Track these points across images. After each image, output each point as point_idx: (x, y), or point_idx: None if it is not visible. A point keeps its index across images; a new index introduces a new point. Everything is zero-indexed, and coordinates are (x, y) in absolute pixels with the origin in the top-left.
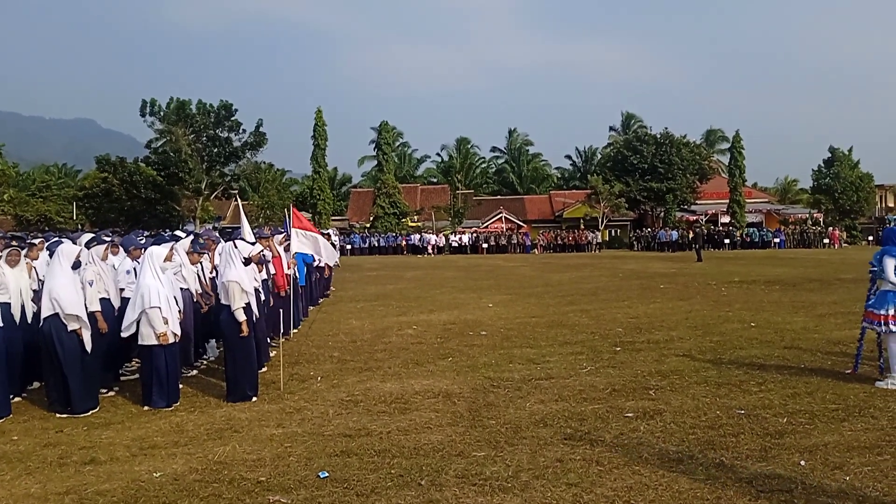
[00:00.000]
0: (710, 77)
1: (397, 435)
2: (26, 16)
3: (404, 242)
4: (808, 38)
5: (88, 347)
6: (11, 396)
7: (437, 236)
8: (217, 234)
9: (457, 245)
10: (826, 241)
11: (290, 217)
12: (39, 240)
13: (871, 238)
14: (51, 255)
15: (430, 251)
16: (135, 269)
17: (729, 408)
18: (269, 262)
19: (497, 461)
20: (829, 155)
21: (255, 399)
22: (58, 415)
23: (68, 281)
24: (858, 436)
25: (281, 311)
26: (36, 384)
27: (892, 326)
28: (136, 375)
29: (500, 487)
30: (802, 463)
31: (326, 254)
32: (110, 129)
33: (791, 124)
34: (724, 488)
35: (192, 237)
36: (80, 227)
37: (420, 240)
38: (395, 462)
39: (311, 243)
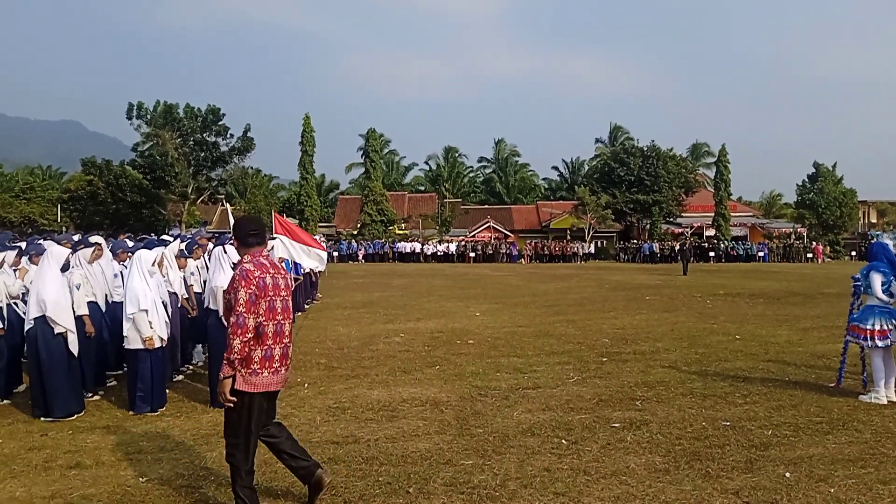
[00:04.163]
0: (697, 91)
1: (385, 442)
2: (11, 15)
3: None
4: (794, 53)
5: (75, 351)
6: None
7: (350, 243)
8: (205, 232)
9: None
10: (809, 255)
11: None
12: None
13: (853, 253)
14: (29, 258)
15: (361, 259)
16: (122, 272)
17: (714, 419)
18: None
19: (485, 470)
20: (814, 170)
21: None
22: (42, 418)
23: (57, 283)
24: (843, 448)
25: None
26: (21, 387)
27: (877, 341)
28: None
29: (487, 496)
30: (787, 475)
31: (308, 260)
32: (96, 132)
33: (776, 139)
34: (710, 498)
35: (181, 241)
36: (64, 229)
37: (349, 247)
38: (383, 469)
39: (289, 250)
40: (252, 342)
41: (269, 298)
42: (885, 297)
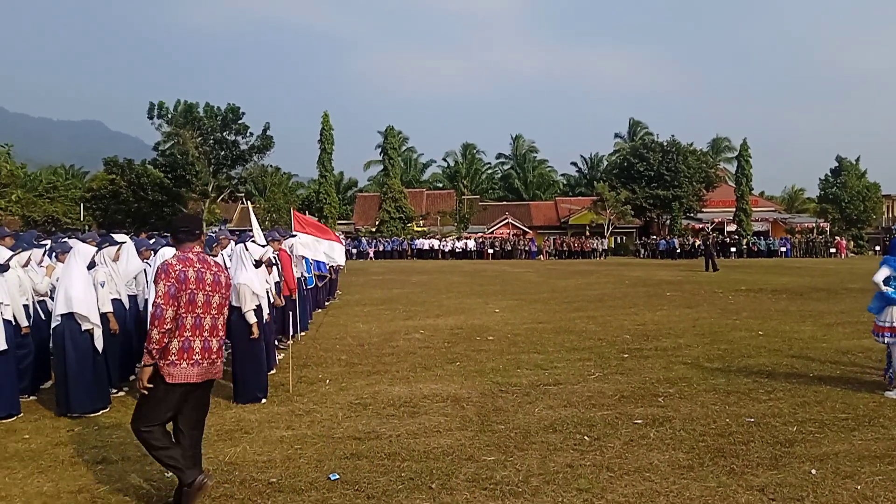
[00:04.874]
0: (717, 85)
1: (407, 438)
2: (35, 17)
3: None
4: (815, 46)
5: (100, 347)
6: (27, 395)
7: (362, 240)
8: (228, 233)
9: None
10: (832, 250)
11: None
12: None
13: (877, 248)
14: (51, 256)
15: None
16: (145, 270)
17: (738, 416)
18: (278, 264)
19: (507, 466)
20: (837, 164)
21: (264, 401)
22: (69, 414)
23: (84, 281)
24: (869, 445)
25: (290, 313)
26: (48, 383)
27: (886, 337)
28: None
29: (510, 492)
30: (813, 471)
31: (333, 255)
32: (118, 131)
33: (798, 133)
34: (734, 495)
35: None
36: (87, 227)
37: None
38: (406, 465)
39: (311, 246)
40: (170, 333)
41: (189, 291)
42: (883, 288)
